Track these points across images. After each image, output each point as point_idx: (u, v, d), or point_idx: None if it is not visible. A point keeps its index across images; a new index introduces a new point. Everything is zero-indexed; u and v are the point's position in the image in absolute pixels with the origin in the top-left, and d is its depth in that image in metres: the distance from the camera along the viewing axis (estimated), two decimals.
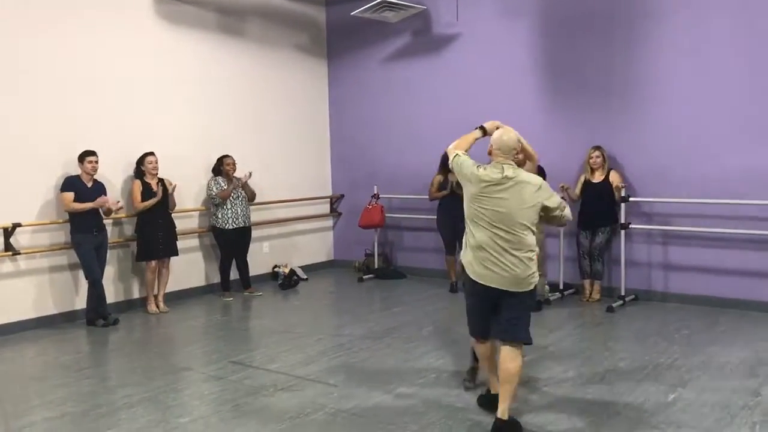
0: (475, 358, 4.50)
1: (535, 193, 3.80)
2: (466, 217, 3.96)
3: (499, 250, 3.77)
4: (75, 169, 6.56)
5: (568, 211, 3.99)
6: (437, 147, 7.94)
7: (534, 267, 3.85)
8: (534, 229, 3.86)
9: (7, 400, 4.59)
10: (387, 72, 9.10)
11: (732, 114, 6.59)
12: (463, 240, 4.05)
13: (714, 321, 6.23)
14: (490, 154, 3.97)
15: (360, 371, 5.02)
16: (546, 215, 3.90)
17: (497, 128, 4.08)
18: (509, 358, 3.81)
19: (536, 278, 3.88)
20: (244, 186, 7.76)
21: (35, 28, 6.49)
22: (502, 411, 3.79)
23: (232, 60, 8.37)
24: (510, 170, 3.84)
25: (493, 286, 3.81)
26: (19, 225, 6.28)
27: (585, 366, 4.95)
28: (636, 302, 7.05)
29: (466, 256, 3.96)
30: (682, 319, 6.35)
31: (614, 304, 6.79)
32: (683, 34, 6.82)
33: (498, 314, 3.91)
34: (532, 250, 3.83)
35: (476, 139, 4.19)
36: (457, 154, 4.05)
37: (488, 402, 4.13)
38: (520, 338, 3.86)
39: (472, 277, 3.89)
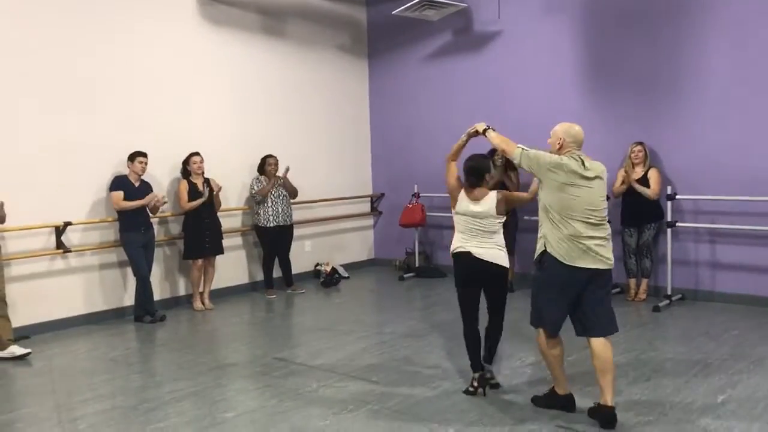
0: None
1: (604, 179, 3.97)
2: (548, 210, 3.89)
3: (590, 236, 3.82)
4: (123, 170, 6.72)
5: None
6: (477, 146, 7.89)
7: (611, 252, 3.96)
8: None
9: (59, 392, 4.73)
10: (427, 71, 9.09)
11: None
12: (541, 234, 3.96)
13: (763, 321, 6.08)
14: (560, 148, 3.96)
15: (402, 368, 5.04)
16: None
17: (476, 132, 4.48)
18: (606, 346, 3.89)
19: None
20: (285, 183, 7.84)
21: (90, 36, 6.68)
22: (612, 398, 3.86)
23: (274, 61, 8.46)
24: (588, 161, 3.92)
25: (588, 266, 3.82)
26: (70, 224, 6.46)
27: (631, 366, 4.88)
28: (683, 302, 6.92)
29: (551, 246, 3.88)
30: (731, 319, 6.21)
31: (660, 304, 6.67)
32: (730, 27, 6.66)
33: (581, 306, 3.92)
34: (610, 237, 3.96)
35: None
36: (522, 149, 4.01)
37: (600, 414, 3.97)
38: (614, 330, 3.96)
39: (566, 261, 3.83)
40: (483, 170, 4.58)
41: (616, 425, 3.84)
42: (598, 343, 3.88)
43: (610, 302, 4.01)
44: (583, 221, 3.82)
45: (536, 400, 4.21)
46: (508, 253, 4.50)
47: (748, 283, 6.71)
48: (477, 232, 4.42)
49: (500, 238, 4.46)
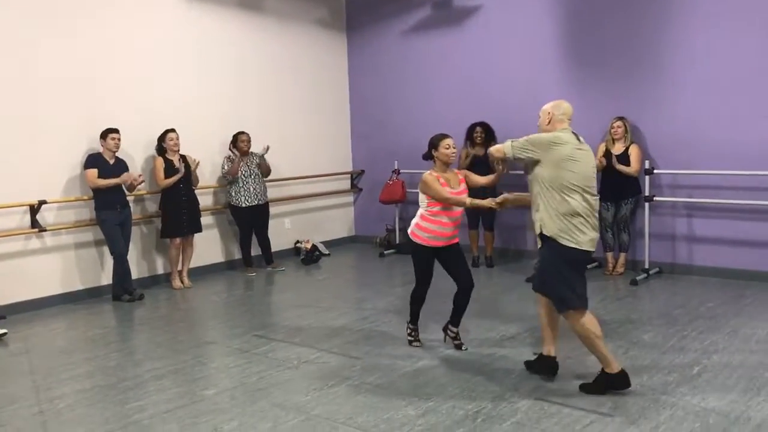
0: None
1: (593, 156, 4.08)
2: (548, 186, 3.88)
3: (589, 213, 3.90)
4: (98, 147, 6.61)
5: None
6: (458, 121, 7.93)
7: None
8: None
9: (37, 372, 4.69)
10: (407, 45, 9.02)
11: (757, 85, 6.46)
12: (544, 211, 3.93)
13: (739, 294, 6.17)
14: (549, 122, 4.02)
15: (382, 344, 5.05)
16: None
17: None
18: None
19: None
20: (261, 163, 7.74)
21: (63, 12, 6.53)
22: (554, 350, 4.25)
23: (251, 36, 8.34)
24: (581, 137, 4.02)
25: (589, 249, 3.92)
26: (44, 202, 6.36)
27: (609, 339, 4.91)
28: (660, 275, 7.00)
29: (554, 227, 3.88)
30: (707, 292, 6.29)
31: (638, 278, 6.74)
32: (710, 3, 6.67)
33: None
34: None
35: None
36: (512, 140, 4.04)
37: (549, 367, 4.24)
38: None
39: (571, 245, 3.85)
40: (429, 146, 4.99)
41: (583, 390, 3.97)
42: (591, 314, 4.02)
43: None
44: (583, 194, 3.87)
45: (584, 387, 4.02)
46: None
47: (724, 256, 6.80)
48: None
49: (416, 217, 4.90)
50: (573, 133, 3.99)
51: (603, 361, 3.95)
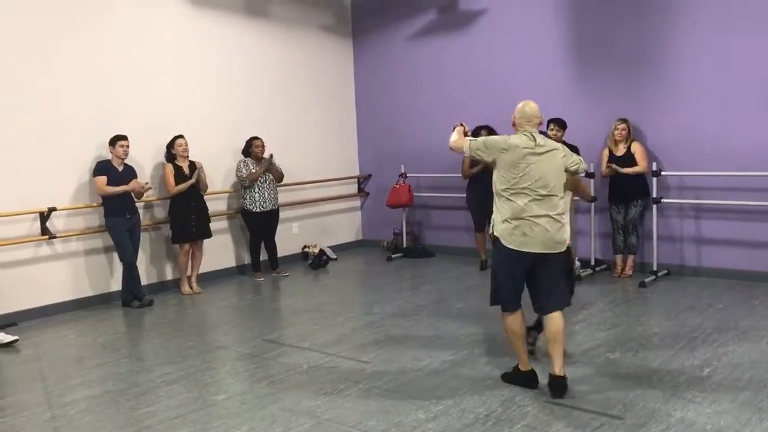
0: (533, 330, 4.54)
1: (562, 158, 4.05)
2: (498, 189, 4.03)
3: (537, 215, 3.93)
4: (106, 154, 6.65)
5: (582, 166, 4.21)
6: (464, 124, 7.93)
7: (567, 232, 4.06)
8: (563, 193, 4.07)
9: (49, 379, 4.72)
10: (413, 50, 9.04)
11: (763, 84, 6.45)
12: (495, 211, 4.08)
13: (748, 295, 6.16)
14: (513, 125, 4.15)
15: (392, 348, 5.06)
16: (569, 174, 4.14)
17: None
18: (557, 318, 4.05)
19: (567, 240, 4.09)
20: (271, 168, 7.79)
21: (71, 19, 6.58)
22: (561, 367, 4.00)
23: (258, 41, 8.38)
24: (540, 138, 4.05)
25: (532, 251, 3.95)
26: (54, 209, 6.40)
27: (618, 341, 4.93)
28: (668, 277, 6.98)
29: (499, 228, 4.02)
30: (716, 293, 6.28)
31: (647, 280, 6.73)
32: (713, 4, 6.66)
33: (534, 284, 4.08)
34: (564, 214, 4.05)
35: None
36: (470, 139, 4.15)
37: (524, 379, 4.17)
38: (565, 305, 4.12)
39: (512, 246, 3.96)
40: None
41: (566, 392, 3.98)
42: (549, 316, 4.07)
43: (563, 273, 4.16)
44: (531, 196, 3.92)
45: (504, 376, 4.28)
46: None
47: (732, 257, 6.78)
48: None
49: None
50: (531, 135, 4.01)
51: (519, 358, 4.17)
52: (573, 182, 4.32)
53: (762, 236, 6.61)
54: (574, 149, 6.32)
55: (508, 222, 3.97)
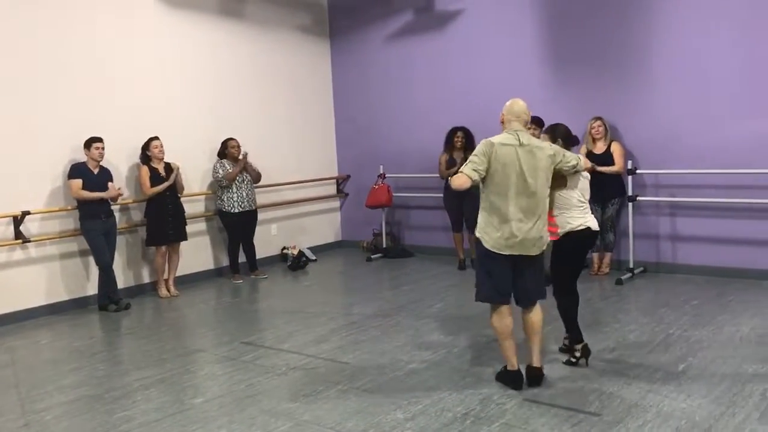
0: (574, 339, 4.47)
1: (549, 157, 4.04)
2: (483, 190, 4.07)
3: (517, 216, 3.95)
4: (81, 157, 6.58)
5: (581, 163, 4.26)
6: (442, 125, 7.97)
7: (546, 231, 4.10)
8: (547, 193, 4.09)
9: (22, 384, 4.65)
10: (390, 50, 9.05)
11: (737, 83, 6.55)
12: (479, 216, 4.13)
13: (722, 291, 6.24)
14: (502, 122, 4.16)
15: (371, 348, 5.06)
16: (565, 173, 4.16)
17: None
18: (535, 312, 4.16)
19: (547, 241, 4.13)
20: (248, 168, 7.76)
21: (43, 20, 6.49)
22: (539, 359, 4.15)
23: (234, 42, 8.34)
24: (525, 137, 4.04)
25: (513, 254, 4.00)
26: (28, 213, 6.32)
27: (594, 338, 4.96)
28: (644, 274, 7.06)
29: (480, 228, 4.09)
30: (691, 290, 6.35)
31: (623, 277, 6.79)
32: (687, 4, 6.75)
33: (521, 279, 4.11)
34: (545, 214, 4.08)
35: None
36: (468, 165, 3.98)
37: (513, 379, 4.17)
38: (542, 297, 4.21)
39: (491, 248, 4.01)
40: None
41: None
42: (529, 309, 4.17)
43: (541, 271, 4.21)
44: (512, 196, 3.95)
45: (497, 376, 4.29)
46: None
47: (707, 254, 6.86)
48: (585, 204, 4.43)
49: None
50: (516, 133, 4.02)
51: (505, 357, 4.20)
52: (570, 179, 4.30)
53: (736, 233, 6.71)
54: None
55: (489, 222, 4.02)
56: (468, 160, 4.04)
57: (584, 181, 4.40)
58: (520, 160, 3.95)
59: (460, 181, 3.97)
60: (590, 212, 4.44)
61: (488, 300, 4.15)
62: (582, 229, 4.31)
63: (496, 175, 3.96)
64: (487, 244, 4.03)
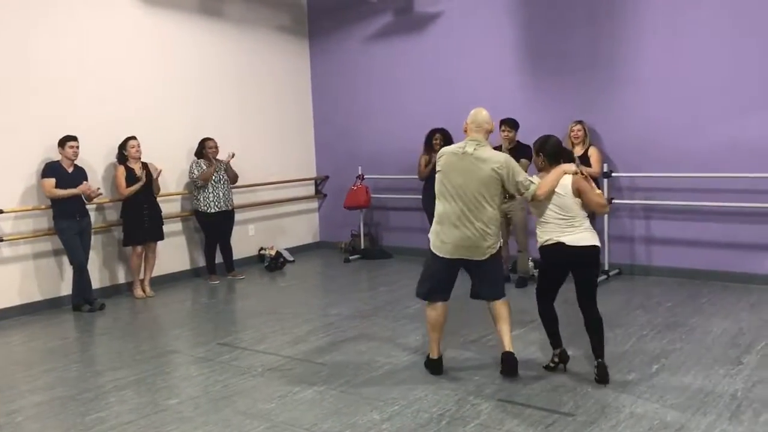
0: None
1: (494, 169, 4.13)
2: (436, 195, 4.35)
3: (456, 222, 4.16)
4: (55, 155, 6.50)
5: (532, 190, 4.19)
6: (421, 126, 7.98)
7: (491, 239, 4.21)
8: (493, 204, 4.19)
9: None
10: (369, 51, 9.06)
11: (713, 87, 6.64)
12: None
13: (696, 293, 6.32)
14: (465, 131, 4.33)
15: (348, 349, 5.06)
16: (507, 190, 4.27)
17: None
18: (501, 305, 4.36)
19: (495, 248, 4.25)
20: (227, 169, 7.73)
21: (19, 18, 6.41)
22: (509, 344, 4.30)
23: (212, 41, 8.29)
24: (471, 147, 4.21)
25: (449, 257, 4.23)
26: (1, 212, 6.24)
27: (570, 340, 4.98)
28: (620, 276, 7.13)
29: (431, 230, 4.36)
30: (665, 291, 6.43)
31: (598, 279, 6.84)
32: (664, 8, 6.83)
33: (474, 279, 4.38)
34: (491, 223, 4.18)
35: None
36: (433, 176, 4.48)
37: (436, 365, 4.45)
38: (503, 295, 4.41)
39: (434, 250, 4.29)
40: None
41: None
42: (496, 303, 4.37)
43: (498, 270, 4.44)
44: (454, 201, 4.17)
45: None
46: None
47: (681, 256, 6.95)
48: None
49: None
50: (466, 143, 4.24)
51: (430, 346, 4.47)
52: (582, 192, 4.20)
53: (710, 236, 6.80)
54: (526, 148, 6.45)
55: (434, 224, 4.30)
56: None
57: (562, 198, 4.16)
58: (461, 169, 4.17)
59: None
60: (582, 228, 4.21)
61: (425, 297, 4.42)
62: (552, 244, 4.18)
63: (440, 182, 4.25)
64: (432, 245, 4.32)
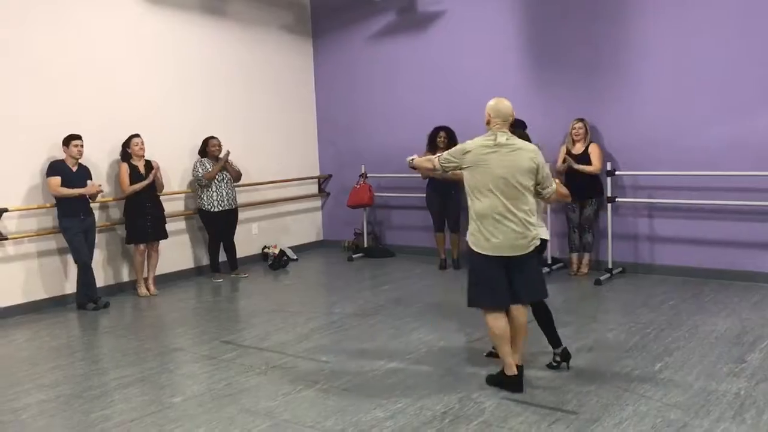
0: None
1: (531, 158, 4.00)
2: (466, 190, 4.08)
3: (497, 216, 3.94)
4: (59, 154, 6.52)
5: (552, 188, 4.16)
6: (424, 125, 7.99)
7: (533, 230, 4.03)
8: (531, 193, 4.05)
9: (0, 383, 4.60)
10: (372, 50, 9.06)
11: (715, 86, 6.63)
12: (469, 217, 4.11)
13: (699, 291, 6.32)
14: (488, 123, 4.11)
15: (351, 348, 5.07)
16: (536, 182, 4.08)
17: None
18: (521, 313, 4.12)
19: (537, 242, 4.07)
20: (228, 167, 7.74)
21: (24, 17, 6.43)
22: (519, 358, 4.12)
23: (217, 41, 8.31)
24: (503, 137, 4.01)
25: (503, 255, 3.98)
26: (5, 210, 6.25)
27: (573, 338, 5.01)
28: (623, 275, 7.13)
29: (469, 231, 4.08)
30: (668, 290, 6.43)
31: (602, 277, 6.86)
32: (668, 7, 6.83)
33: (515, 279, 4.06)
34: (531, 213, 4.02)
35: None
36: (438, 156, 4.25)
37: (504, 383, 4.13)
38: (546, 295, 4.22)
39: (481, 251, 4.00)
40: None
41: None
42: (517, 309, 4.12)
43: (537, 267, 4.24)
44: (495, 195, 3.93)
45: (489, 379, 4.22)
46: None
47: (684, 255, 6.95)
48: None
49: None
50: (495, 134, 4.01)
51: (503, 361, 4.11)
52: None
53: (713, 234, 6.80)
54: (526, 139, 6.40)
55: (475, 223, 4.02)
56: (444, 154, 4.22)
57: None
58: (498, 160, 3.95)
59: (425, 164, 4.38)
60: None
61: (488, 305, 4.08)
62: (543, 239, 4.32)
63: (475, 178, 4.00)
64: (475, 246, 4.03)
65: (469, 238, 4.08)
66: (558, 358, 4.43)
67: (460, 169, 4.11)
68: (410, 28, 8.69)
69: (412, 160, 4.62)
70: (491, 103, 4.13)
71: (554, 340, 4.44)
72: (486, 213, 3.97)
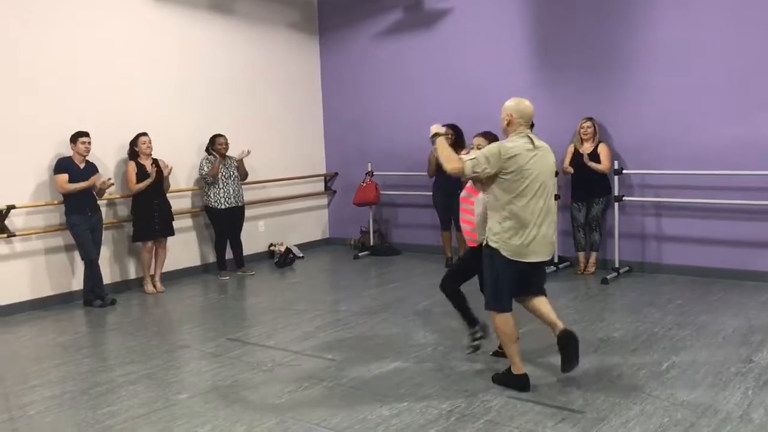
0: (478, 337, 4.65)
1: (554, 160, 4.06)
2: (499, 197, 3.89)
3: (537, 221, 3.91)
4: (67, 151, 6.53)
5: None
6: (430, 123, 7.90)
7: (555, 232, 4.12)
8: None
9: (7, 380, 4.62)
10: (379, 48, 9.06)
11: (723, 85, 6.60)
12: (489, 223, 4.01)
13: (706, 291, 6.29)
14: (509, 125, 3.95)
15: (357, 346, 5.07)
16: None
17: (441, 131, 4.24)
18: (544, 299, 4.20)
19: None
20: (240, 166, 7.76)
21: (31, 15, 6.45)
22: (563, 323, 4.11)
23: (223, 38, 8.31)
24: (536, 140, 3.97)
25: (536, 260, 3.97)
26: (13, 207, 6.27)
27: (580, 336, 4.97)
28: (630, 274, 7.10)
29: (499, 237, 3.91)
30: (676, 289, 6.41)
31: (608, 276, 6.84)
32: (677, 5, 6.79)
33: (531, 280, 4.13)
34: (555, 215, 4.06)
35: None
36: (468, 159, 3.92)
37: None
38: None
39: (511, 257, 3.90)
40: None
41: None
42: (539, 299, 4.20)
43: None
44: (536, 200, 3.86)
45: (495, 378, 4.21)
46: (460, 230, 4.54)
47: (692, 254, 6.92)
48: None
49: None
50: (528, 136, 3.91)
51: (510, 361, 4.09)
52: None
53: (720, 233, 6.77)
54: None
55: (508, 230, 3.88)
56: (478, 155, 3.89)
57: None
58: (540, 164, 3.88)
59: (454, 165, 3.90)
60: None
61: (507, 309, 4.03)
62: None
63: (517, 182, 3.83)
64: (506, 251, 3.89)
65: (496, 242, 3.91)
66: (478, 335, 4.64)
67: (496, 175, 3.84)
68: (417, 26, 8.67)
69: (437, 134, 4.18)
70: (510, 103, 3.97)
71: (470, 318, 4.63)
72: (528, 219, 3.85)
